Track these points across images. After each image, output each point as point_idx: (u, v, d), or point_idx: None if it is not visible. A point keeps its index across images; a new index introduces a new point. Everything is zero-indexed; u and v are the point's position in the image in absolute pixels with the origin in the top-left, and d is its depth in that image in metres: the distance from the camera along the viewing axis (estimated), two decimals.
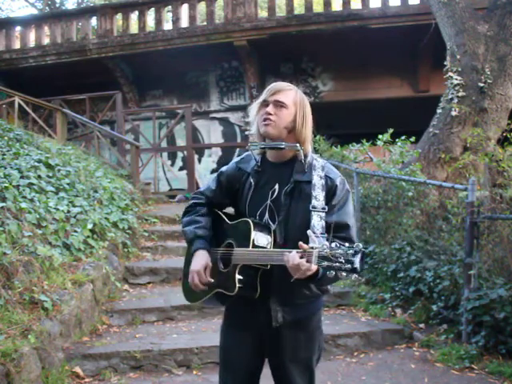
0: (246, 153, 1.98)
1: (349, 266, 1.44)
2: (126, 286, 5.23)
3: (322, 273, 1.59)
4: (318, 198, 1.75)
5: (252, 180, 1.86)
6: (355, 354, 3.92)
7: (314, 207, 1.74)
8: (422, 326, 4.22)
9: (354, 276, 1.47)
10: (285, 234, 1.78)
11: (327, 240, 1.58)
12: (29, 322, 3.25)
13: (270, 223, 1.80)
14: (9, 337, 3.04)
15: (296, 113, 1.81)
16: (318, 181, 1.78)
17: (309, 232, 1.62)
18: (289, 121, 1.80)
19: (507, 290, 3.56)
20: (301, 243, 1.57)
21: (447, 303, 4.12)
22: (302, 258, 1.54)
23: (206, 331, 4.19)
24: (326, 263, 1.47)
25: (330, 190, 1.80)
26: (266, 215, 1.81)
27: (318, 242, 1.58)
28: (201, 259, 1.85)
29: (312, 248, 1.53)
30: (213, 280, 1.82)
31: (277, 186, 1.83)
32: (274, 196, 1.82)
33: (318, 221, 1.71)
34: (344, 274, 1.46)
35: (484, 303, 3.58)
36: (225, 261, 1.85)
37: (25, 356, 2.95)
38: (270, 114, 1.78)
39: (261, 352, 1.91)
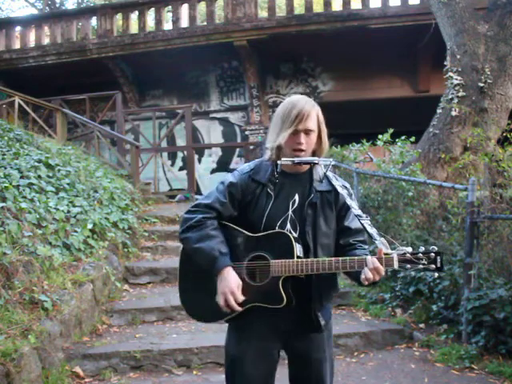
0: (255, 162, 1.95)
1: (433, 265, 1.64)
2: (126, 286, 5.22)
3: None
4: (354, 206, 1.83)
5: (271, 191, 1.84)
6: (355, 354, 3.92)
7: (359, 216, 1.80)
8: (422, 325, 4.22)
9: (437, 274, 1.68)
10: (313, 242, 1.81)
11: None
12: (29, 322, 3.26)
13: (293, 232, 1.81)
14: (9, 337, 3.04)
15: (320, 130, 1.86)
16: (341, 190, 1.86)
17: (381, 240, 1.72)
18: (315, 142, 1.86)
19: (507, 290, 3.56)
20: (380, 249, 1.68)
21: (447, 303, 4.13)
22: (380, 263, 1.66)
23: (205, 331, 4.19)
24: (409, 265, 1.65)
25: (350, 197, 1.89)
26: (288, 225, 1.81)
27: (385, 247, 1.70)
28: (233, 277, 1.74)
29: (387, 254, 1.67)
30: (244, 298, 1.75)
31: (296, 196, 1.84)
32: (295, 206, 1.83)
33: (370, 228, 1.78)
34: (426, 272, 1.74)
35: (484, 303, 3.58)
36: (255, 274, 1.79)
37: (25, 356, 2.95)
38: (302, 144, 1.81)
39: (277, 356, 1.93)
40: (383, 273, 1.66)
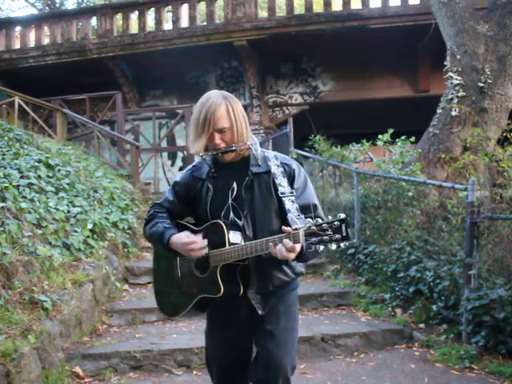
0: (197, 160, 2.04)
1: (338, 235, 1.55)
2: (126, 286, 5.22)
3: (305, 250, 1.69)
4: (283, 184, 1.84)
5: (209, 185, 1.91)
6: (355, 354, 3.92)
7: (282, 193, 1.82)
8: (422, 325, 4.22)
9: (344, 243, 1.57)
10: (252, 226, 1.85)
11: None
12: (29, 322, 3.25)
13: (237, 220, 1.85)
14: (9, 337, 3.04)
15: (235, 124, 1.84)
16: (276, 169, 1.87)
17: (289, 215, 1.71)
18: (233, 136, 1.85)
19: (507, 290, 3.56)
20: (283, 227, 1.67)
21: (447, 303, 4.12)
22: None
23: None
24: (314, 239, 1.58)
25: (290, 175, 1.89)
26: (231, 214, 1.87)
27: (299, 222, 1.66)
28: (180, 236, 1.85)
29: (296, 229, 1.63)
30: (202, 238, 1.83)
31: (235, 184, 1.89)
32: (234, 194, 1.88)
33: (291, 205, 1.78)
34: (334, 244, 1.56)
35: (484, 303, 3.58)
36: (200, 266, 1.88)
37: (25, 356, 2.95)
38: (218, 144, 1.83)
39: (248, 342, 1.98)
40: (294, 249, 1.63)
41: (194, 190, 1.96)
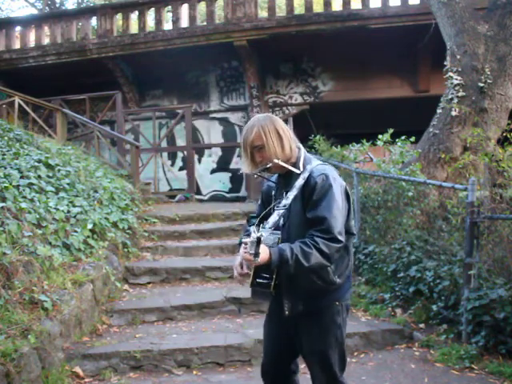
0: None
1: (252, 251, 1.81)
2: (126, 286, 5.22)
3: (275, 259, 1.89)
4: (289, 197, 2.05)
5: (273, 192, 2.22)
6: (355, 354, 3.92)
7: (277, 206, 2.07)
8: (422, 325, 4.22)
9: (256, 259, 1.81)
10: (287, 232, 2.03)
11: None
12: (29, 322, 3.25)
13: (280, 225, 2.06)
14: (9, 337, 3.04)
15: (269, 144, 2.04)
16: (298, 182, 2.05)
17: (252, 228, 1.95)
18: (270, 154, 2.05)
19: (507, 290, 3.56)
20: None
21: (447, 303, 4.13)
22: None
23: (206, 331, 4.19)
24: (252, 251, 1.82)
25: (310, 188, 2.01)
26: (281, 219, 2.08)
27: (258, 233, 1.86)
28: (238, 257, 2.13)
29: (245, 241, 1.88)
30: (247, 271, 2.08)
31: (285, 193, 2.11)
32: (284, 202, 2.09)
33: (274, 218, 2.04)
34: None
35: (484, 303, 3.58)
36: None
37: (25, 356, 2.95)
38: (257, 160, 2.08)
39: (287, 339, 2.16)
40: (241, 254, 1.92)
41: (270, 196, 2.26)
